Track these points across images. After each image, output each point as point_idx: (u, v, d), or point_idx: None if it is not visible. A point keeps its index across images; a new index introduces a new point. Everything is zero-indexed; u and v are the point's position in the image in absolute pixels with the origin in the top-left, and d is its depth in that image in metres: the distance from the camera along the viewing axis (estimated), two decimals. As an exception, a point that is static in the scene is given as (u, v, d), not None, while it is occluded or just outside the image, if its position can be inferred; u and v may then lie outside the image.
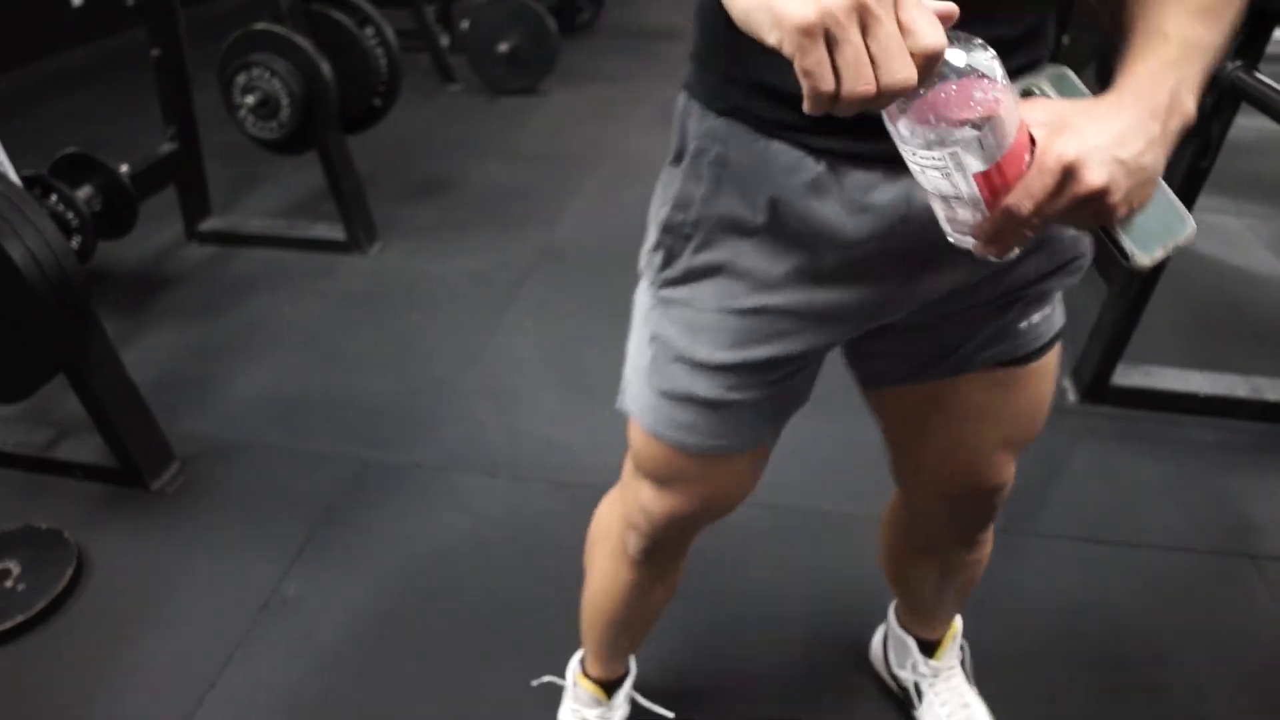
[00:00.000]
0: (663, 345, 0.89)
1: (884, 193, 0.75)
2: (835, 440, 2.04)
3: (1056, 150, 0.61)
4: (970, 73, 0.56)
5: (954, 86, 0.56)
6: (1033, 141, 0.62)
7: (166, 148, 2.82)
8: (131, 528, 1.89)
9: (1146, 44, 0.67)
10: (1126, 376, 2.21)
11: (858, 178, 0.75)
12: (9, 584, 1.71)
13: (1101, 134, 0.62)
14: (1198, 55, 0.67)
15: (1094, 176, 0.61)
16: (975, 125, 0.57)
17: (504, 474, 2.02)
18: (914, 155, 0.60)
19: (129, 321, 2.63)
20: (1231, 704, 1.52)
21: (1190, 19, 0.67)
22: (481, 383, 2.34)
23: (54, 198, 2.13)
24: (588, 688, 1.36)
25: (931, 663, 1.43)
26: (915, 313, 0.87)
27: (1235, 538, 1.86)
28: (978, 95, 0.56)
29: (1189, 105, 0.65)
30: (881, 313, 0.86)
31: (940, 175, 0.61)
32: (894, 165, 0.64)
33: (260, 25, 2.54)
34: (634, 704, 1.43)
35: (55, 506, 1.93)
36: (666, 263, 0.86)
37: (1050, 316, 0.92)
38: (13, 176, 1.79)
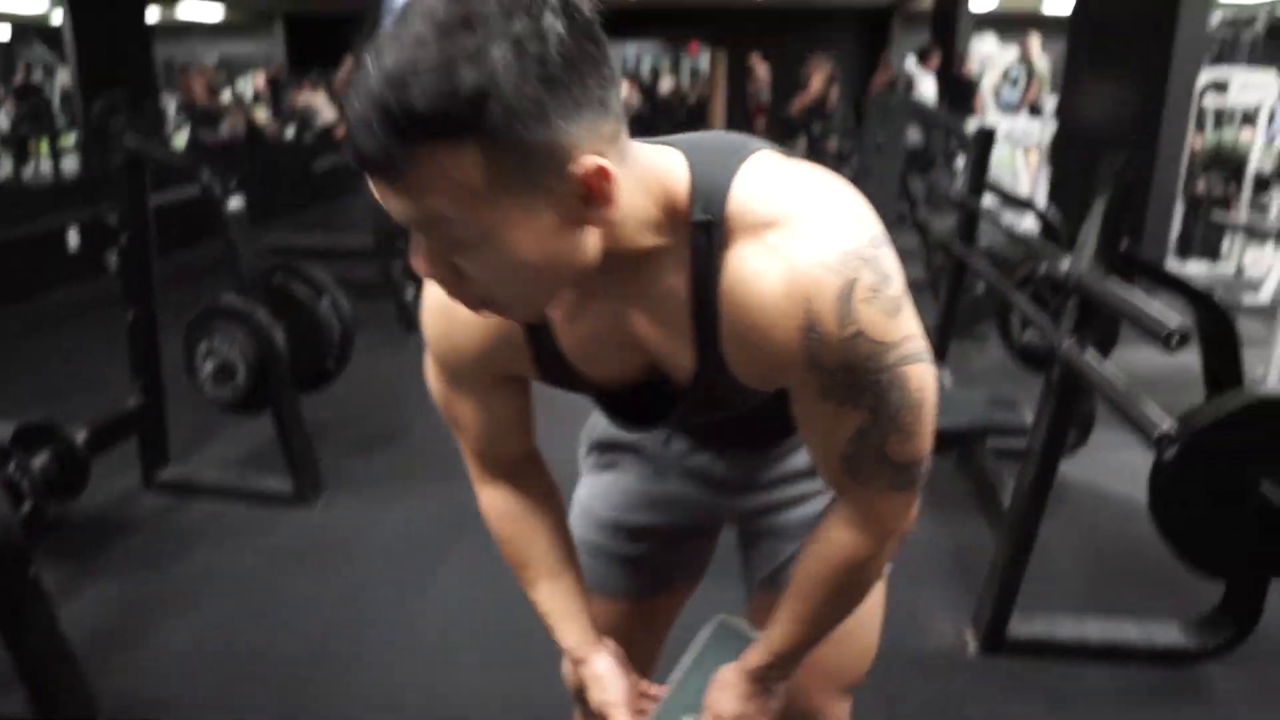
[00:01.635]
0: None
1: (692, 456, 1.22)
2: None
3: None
4: None
5: None
6: None
7: (132, 402, 3.03)
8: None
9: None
10: (1025, 625, 2.30)
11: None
12: None
13: (729, 696, 1.08)
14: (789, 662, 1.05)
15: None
16: None
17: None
18: None
19: (76, 568, 2.71)
20: None
21: (796, 631, 1.02)
22: (405, 644, 2.40)
23: (11, 465, 2.29)
24: None
25: None
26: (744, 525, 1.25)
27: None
28: None
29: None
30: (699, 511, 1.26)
31: None
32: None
33: (224, 299, 2.80)
34: None
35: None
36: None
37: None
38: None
